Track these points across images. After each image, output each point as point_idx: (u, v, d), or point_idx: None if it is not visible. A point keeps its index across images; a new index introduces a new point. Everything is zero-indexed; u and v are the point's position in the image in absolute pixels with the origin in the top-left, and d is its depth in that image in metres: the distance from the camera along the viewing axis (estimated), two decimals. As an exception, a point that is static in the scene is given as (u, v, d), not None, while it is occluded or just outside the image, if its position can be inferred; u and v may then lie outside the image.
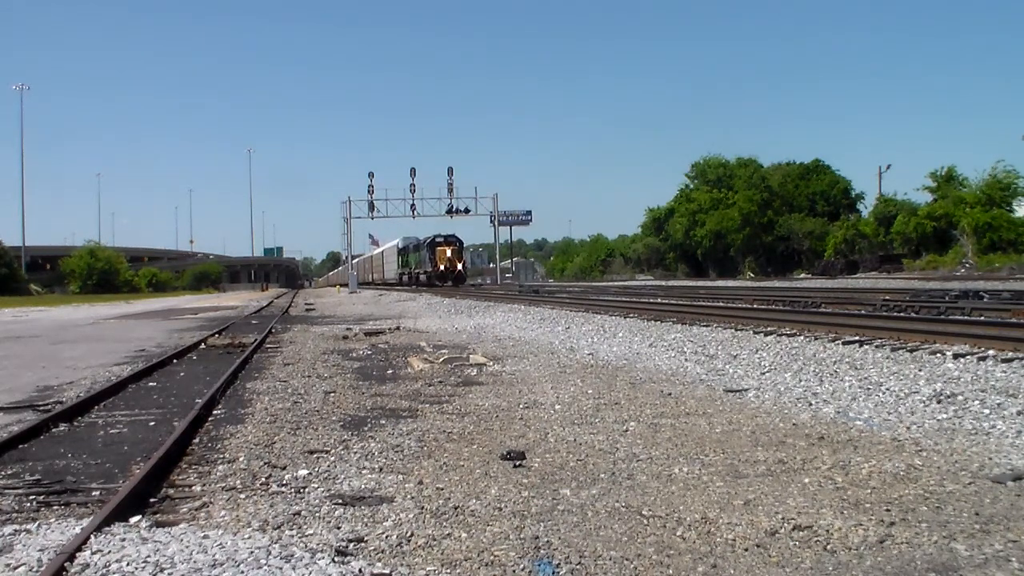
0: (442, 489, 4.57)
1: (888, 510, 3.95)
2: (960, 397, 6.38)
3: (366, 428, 6.41)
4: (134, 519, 4.08)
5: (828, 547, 3.53)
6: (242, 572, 3.28)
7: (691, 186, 76.64)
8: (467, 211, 62.64)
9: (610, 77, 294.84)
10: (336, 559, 3.44)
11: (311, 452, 5.59)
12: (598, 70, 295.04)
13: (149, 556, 3.43)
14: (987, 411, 5.93)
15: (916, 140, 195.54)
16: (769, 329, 11.52)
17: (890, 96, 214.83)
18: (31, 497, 4.68)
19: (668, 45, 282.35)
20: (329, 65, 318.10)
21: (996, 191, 50.88)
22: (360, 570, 3.32)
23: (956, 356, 8.09)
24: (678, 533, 3.77)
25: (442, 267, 51.07)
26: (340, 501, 4.39)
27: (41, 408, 7.92)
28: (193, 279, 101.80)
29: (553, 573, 3.34)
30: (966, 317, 12.13)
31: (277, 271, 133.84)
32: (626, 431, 5.97)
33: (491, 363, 10.38)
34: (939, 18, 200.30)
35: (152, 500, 4.54)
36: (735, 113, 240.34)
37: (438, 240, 52.62)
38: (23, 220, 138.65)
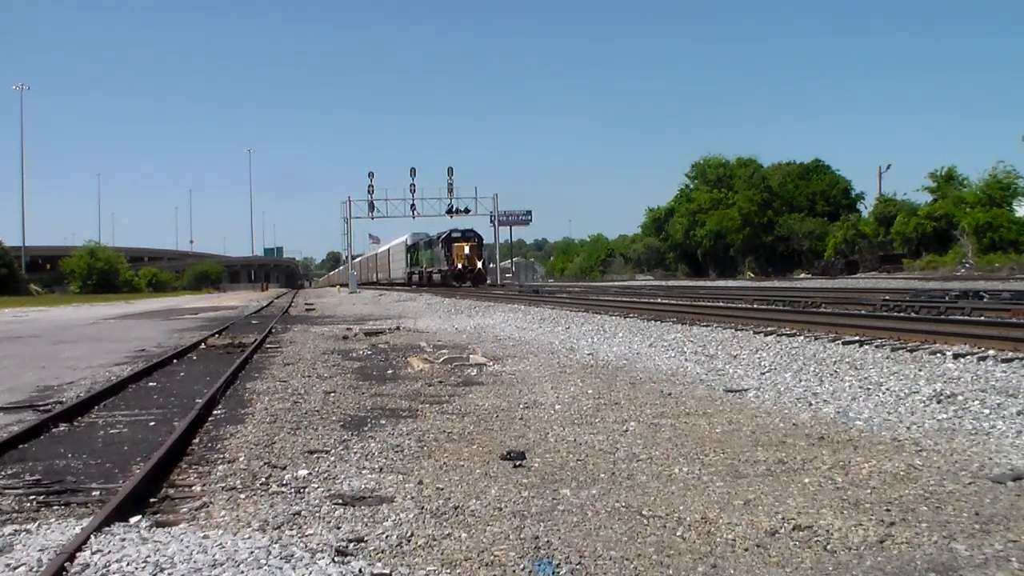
0: (442, 489, 4.57)
1: (888, 510, 3.95)
2: (960, 397, 6.39)
3: (366, 428, 6.41)
4: (134, 519, 4.08)
5: (828, 547, 3.53)
6: (242, 572, 3.28)
7: (691, 186, 76.68)
8: (467, 211, 62.55)
9: (610, 77, 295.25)
10: (336, 559, 3.44)
11: (311, 452, 5.59)
12: (598, 70, 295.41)
13: (149, 556, 3.43)
14: (987, 411, 5.93)
15: (916, 140, 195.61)
16: (769, 329, 11.52)
17: (890, 96, 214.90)
18: (31, 497, 4.68)
19: (668, 45, 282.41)
20: (329, 65, 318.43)
21: (996, 191, 50.91)
22: (360, 570, 3.32)
23: (956, 356, 8.09)
24: (678, 533, 3.77)
25: (459, 265, 45.73)
26: (340, 501, 4.39)
27: (41, 408, 7.92)
28: (193, 279, 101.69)
29: (553, 573, 3.34)
30: (966, 317, 12.13)
31: (277, 271, 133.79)
32: (626, 431, 5.97)
33: (491, 363, 10.38)
34: (939, 18, 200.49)
35: (152, 500, 4.54)
36: (735, 113, 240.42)
37: (455, 235, 47.12)
38: (23, 220, 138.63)
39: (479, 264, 47.04)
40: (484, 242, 50.86)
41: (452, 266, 46.22)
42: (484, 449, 5.54)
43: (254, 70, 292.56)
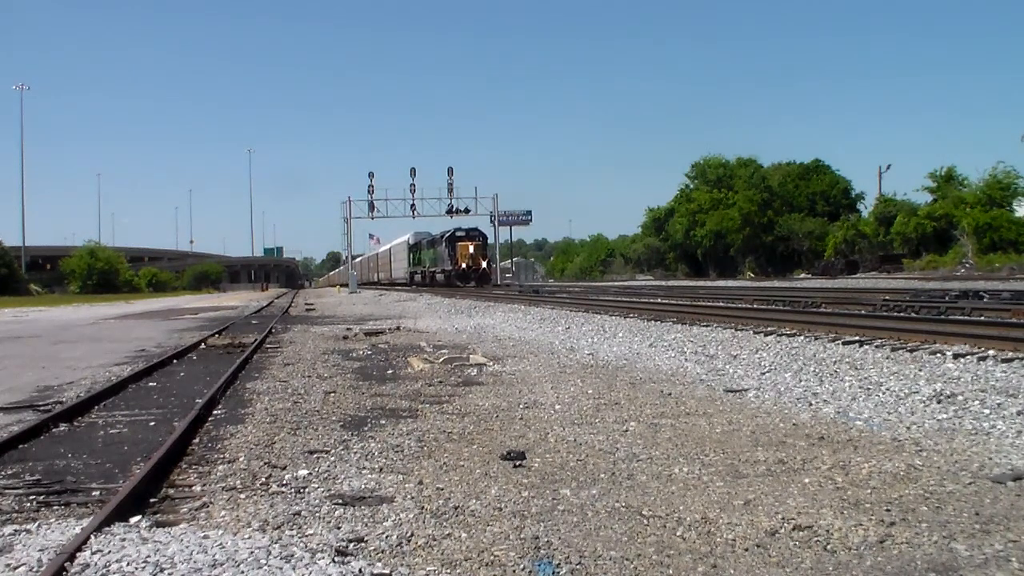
0: (442, 489, 4.57)
1: (888, 510, 3.95)
2: (960, 397, 6.39)
3: (366, 428, 6.41)
4: (134, 519, 4.08)
5: (828, 547, 3.53)
6: (242, 572, 3.28)
7: (691, 186, 76.66)
8: (467, 211, 62.44)
9: (610, 77, 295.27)
10: (336, 559, 3.44)
11: (311, 452, 5.59)
12: (598, 70, 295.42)
13: (149, 556, 3.43)
14: (987, 411, 5.93)
15: (916, 140, 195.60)
16: (769, 329, 11.52)
17: (890, 96, 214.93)
18: (31, 497, 4.68)
19: (668, 45, 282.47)
20: (329, 65, 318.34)
21: (996, 191, 50.93)
22: (360, 570, 3.32)
23: (956, 356, 8.09)
24: (678, 533, 3.77)
25: (464, 265, 44.73)
26: (340, 501, 4.39)
27: (41, 408, 7.92)
28: (193, 279, 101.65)
29: (553, 573, 3.34)
30: (966, 317, 12.14)
31: (277, 271, 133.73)
32: (626, 431, 5.97)
33: (491, 363, 10.38)
34: (939, 18, 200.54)
35: (152, 500, 4.54)
36: (735, 113, 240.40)
37: (459, 234, 46.33)
38: (23, 220, 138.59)
39: (484, 264, 46.15)
40: (488, 241, 50.01)
41: (456, 266, 45.26)
42: (484, 449, 5.54)
43: (254, 70, 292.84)
